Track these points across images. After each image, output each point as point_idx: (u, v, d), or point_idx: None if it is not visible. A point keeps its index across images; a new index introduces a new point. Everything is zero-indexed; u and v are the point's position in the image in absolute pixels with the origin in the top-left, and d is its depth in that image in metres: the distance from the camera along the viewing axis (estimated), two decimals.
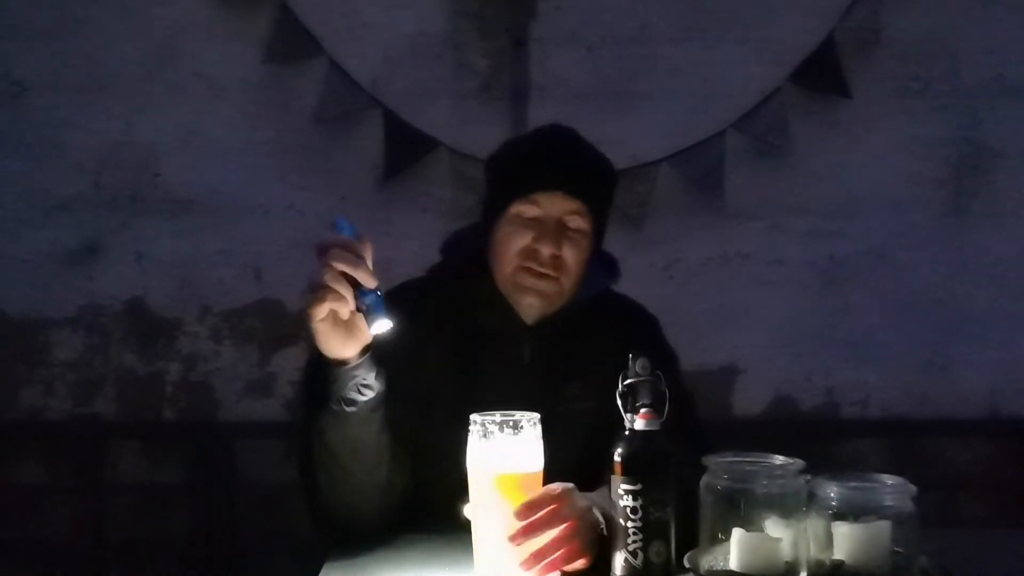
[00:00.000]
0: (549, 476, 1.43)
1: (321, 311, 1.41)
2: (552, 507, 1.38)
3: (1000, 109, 2.81)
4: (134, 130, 2.76)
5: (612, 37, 2.78)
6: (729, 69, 2.77)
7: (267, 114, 2.77)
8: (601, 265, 1.80)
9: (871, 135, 2.81)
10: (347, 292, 1.41)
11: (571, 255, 1.67)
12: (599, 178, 1.73)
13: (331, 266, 1.40)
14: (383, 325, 1.44)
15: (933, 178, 2.82)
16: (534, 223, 1.66)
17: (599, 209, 1.72)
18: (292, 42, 2.72)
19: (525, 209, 1.67)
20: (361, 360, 1.49)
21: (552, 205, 1.66)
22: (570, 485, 1.42)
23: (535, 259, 1.66)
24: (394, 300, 1.51)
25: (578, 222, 1.67)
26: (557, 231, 1.66)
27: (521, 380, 1.68)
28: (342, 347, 1.47)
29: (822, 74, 2.75)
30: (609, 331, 1.76)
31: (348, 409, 1.49)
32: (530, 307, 1.69)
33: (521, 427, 1.41)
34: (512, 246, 1.67)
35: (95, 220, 2.77)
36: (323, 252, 1.41)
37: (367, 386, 1.50)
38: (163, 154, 2.77)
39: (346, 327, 1.45)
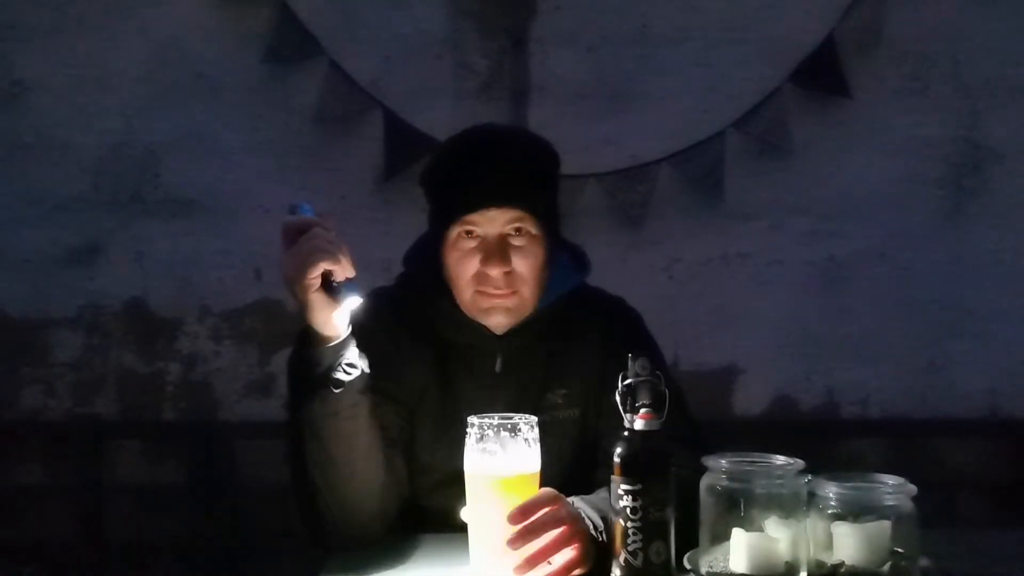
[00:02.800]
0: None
1: (315, 270, 1.43)
2: (547, 510, 1.38)
3: (1000, 109, 2.81)
4: (134, 130, 2.76)
5: (612, 37, 2.78)
6: (729, 69, 2.77)
7: (267, 114, 2.77)
8: (570, 258, 1.76)
9: (871, 135, 2.81)
10: (339, 250, 1.44)
11: (523, 265, 1.63)
12: (529, 178, 1.65)
13: (317, 232, 1.44)
14: (354, 301, 1.47)
15: (933, 178, 2.82)
16: (478, 244, 1.63)
17: (542, 206, 1.66)
18: (292, 42, 2.72)
19: (464, 231, 1.63)
20: (344, 337, 1.50)
21: (489, 222, 1.62)
22: (559, 494, 1.42)
23: (488, 282, 1.63)
24: (369, 308, 1.51)
25: (522, 228, 1.63)
26: (501, 248, 1.62)
27: (495, 392, 1.66)
28: (330, 318, 1.47)
29: (822, 74, 2.75)
30: (587, 330, 1.73)
31: (336, 391, 1.49)
32: (499, 325, 1.66)
33: (519, 429, 1.41)
34: (463, 273, 1.64)
35: (95, 220, 2.77)
36: (290, 233, 1.46)
37: (351, 365, 1.50)
38: (163, 154, 2.77)
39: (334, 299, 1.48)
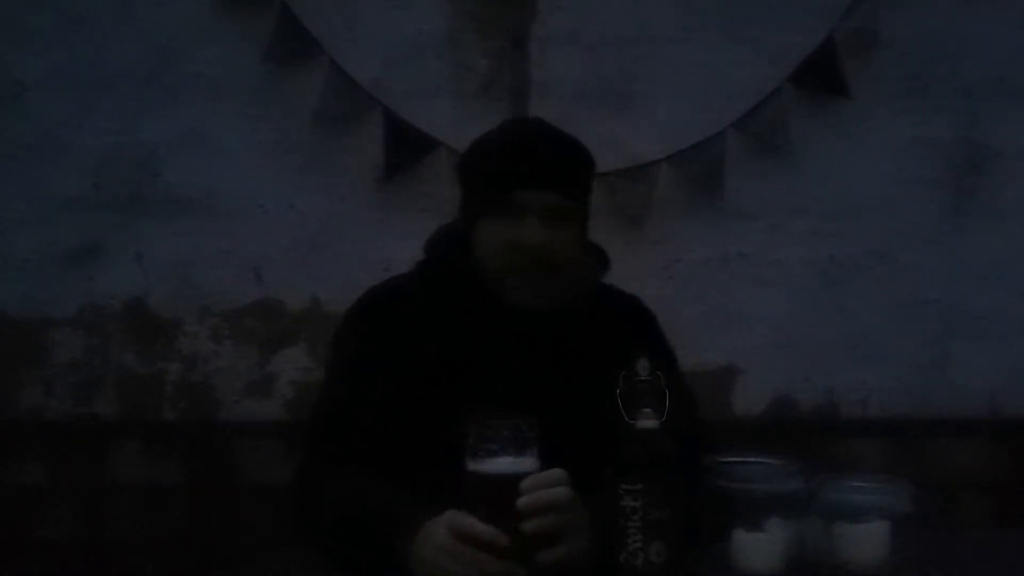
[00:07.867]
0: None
1: None
2: (561, 490, 1.37)
3: (1000, 109, 2.81)
4: (134, 130, 2.76)
5: (612, 37, 2.78)
6: (729, 69, 2.77)
7: (267, 114, 2.76)
8: (590, 255, 1.78)
9: (871, 135, 2.81)
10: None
11: (560, 244, 1.66)
12: (575, 166, 1.72)
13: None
14: None
15: (933, 178, 2.82)
16: (516, 219, 1.65)
17: (580, 197, 1.71)
18: (292, 42, 2.71)
19: (506, 207, 1.65)
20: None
21: (532, 200, 1.65)
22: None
23: (523, 254, 1.64)
24: (384, 297, 1.50)
25: (561, 212, 1.66)
26: (541, 223, 1.64)
27: (515, 380, 1.65)
28: None
29: (822, 74, 2.75)
30: (606, 327, 1.73)
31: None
32: (524, 303, 1.66)
33: (518, 429, 1.41)
34: (497, 244, 1.66)
35: (95, 220, 2.77)
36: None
37: None
38: (163, 154, 2.77)
39: None
